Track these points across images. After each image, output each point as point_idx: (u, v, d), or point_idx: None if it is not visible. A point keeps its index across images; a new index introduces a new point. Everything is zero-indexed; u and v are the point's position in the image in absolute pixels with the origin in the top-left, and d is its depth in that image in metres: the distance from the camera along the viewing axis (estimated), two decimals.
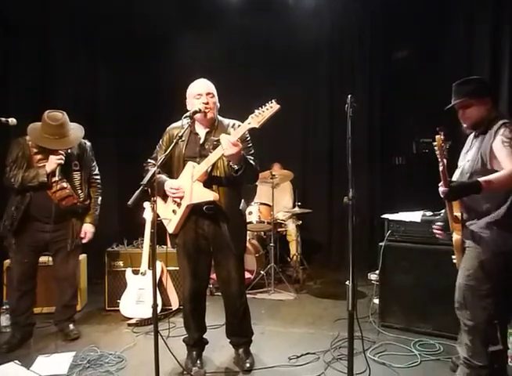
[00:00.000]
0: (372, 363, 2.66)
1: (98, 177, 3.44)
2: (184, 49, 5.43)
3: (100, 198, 3.44)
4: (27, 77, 4.50)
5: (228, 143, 2.32)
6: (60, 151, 3.05)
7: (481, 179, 2.15)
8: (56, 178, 2.99)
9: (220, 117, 2.72)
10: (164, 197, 2.65)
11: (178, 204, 2.58)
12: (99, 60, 5.32)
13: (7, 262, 3.51)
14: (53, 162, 3.02)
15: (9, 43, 4.33)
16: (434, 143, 2.15)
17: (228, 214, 2.56)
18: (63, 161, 3.03)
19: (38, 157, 3.08)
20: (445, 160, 2.18)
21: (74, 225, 3.24)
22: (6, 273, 3.63)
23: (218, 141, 2.50)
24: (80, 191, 3.22)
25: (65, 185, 3.10)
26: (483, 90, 2.39)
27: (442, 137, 2.15)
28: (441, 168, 2.19)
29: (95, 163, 3.41)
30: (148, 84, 5.44)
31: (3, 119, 2.70)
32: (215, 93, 2.66)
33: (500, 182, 2.15)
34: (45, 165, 3.03)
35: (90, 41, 5.19)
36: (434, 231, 2.59)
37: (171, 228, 2.66)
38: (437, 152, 2.18)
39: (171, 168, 2.66)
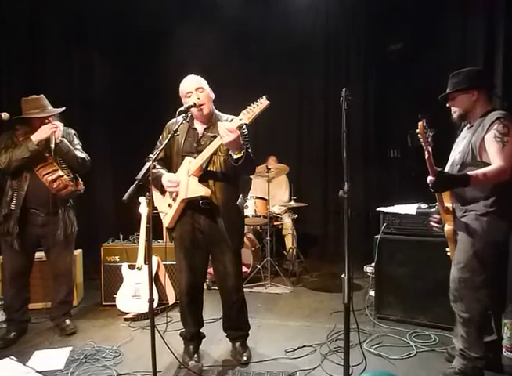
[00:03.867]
0: (368, 355, 2.68)
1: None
2: (180, 43, 5.38)
3: (83, 157, 3.26)
4: (20, 73, 4.46)
5: (225, 131, 2.32)
6: (53, 123, 3.03)
7: (469, 173, 2.17)
8: (52, 146, 2.96)
9: (218, 112, 2.70)
10: (163, 191, 2.65)
11: (174, 199, 2.58)
12: (94, 53, 5.27)
13: (0, 257, 3.50)
14: (45, 131, 2.98)
15: (2, 38, 4.28)
16: (417, 130, 2.16)
17: (224, 209, 2.56)
18: (56, 129, 3.01)
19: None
20: (429, 148, 2.18)
21: (65, 216, 3.20)
22: (1, 269, 3.62)
23: (214, 137, 2.50)
24: (67, 174, 3.15)
25: (55, 167, 3.09)
26: (468, 83, 2.40)
27: (424, 124, 2.15)
28: (426, 156, 2.20)
29: (80, 147, 3.31)
30: (143, 77, 5.41)
31: None
32: (206, 86, 2.64)
33: (488, 177, 2.17)
34: (30, 138, 2.99)
35: (85, 36, 5.14)
36: (431, 224, 2.60)
37: (166, 221, 2.66)
38: (420, 139, 2.19)
39: (171, 164, 2.66)
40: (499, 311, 2.55)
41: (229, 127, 2.33)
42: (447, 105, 2.50)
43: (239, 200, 2.73)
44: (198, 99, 2.55)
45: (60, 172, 3.10)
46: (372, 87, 5.61)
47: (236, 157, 2.41)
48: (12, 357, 2.84)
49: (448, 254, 2.50)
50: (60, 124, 3.13)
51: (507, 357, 2.71)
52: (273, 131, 5.92)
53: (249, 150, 2.55)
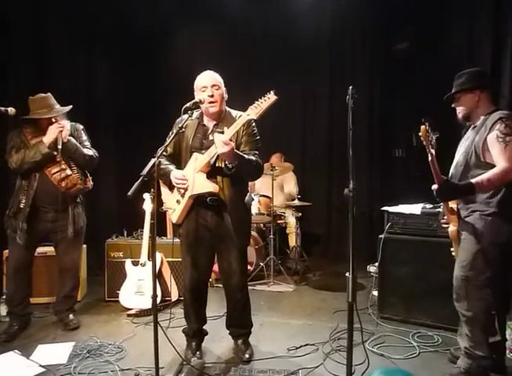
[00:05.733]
0: (371, 355, 2.67)
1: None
2: (183, 43, 5.38)
3: (91, 155, 3.27)
4: (26, 72, 4.48)
5: (220, 142, 2.32)
6: (59, 122, 3.06)
7: (473, 181, 2.17)
8: (59, 146, 2.97)
9: (228, 109, 2.70)
10: (171, 187, 2.65)
11: (182, 195, 2.58)
12: (98, 53, 5.28)
13: (7, 251, 3.52)
14: (53, 131, 3.01)
15: (8, 38, 4.32)
16: (420, 134, 2.16)
17: (231, 205, 2.55)
18: (63, 128, 3.03)
19: (34, 141, 3.07)
20: (433, 151, 2.18)
21: (74, 212, 3.22)
22: (6, 263, 3.64)
23: (223, 133, 2.49)
24: (75, 170, 3.18)
25: (63, 166, 3.11)
26: (471, 83, 2.41)
27: (427, 127, 2.15)
28: (429, 159, 2.19)
29: (88, 143, 3.33)
30: (147, 77, 5.43)
31: (2, 108, 2.69)
32: (221, 85, 2.64)
33: (493, 181, 2.17)
34: (42, 141, 3.03)
35: (88, 35, 5.15)
36: (442, 224, 2.59)
37: (174, 218, 2.66)
38: (423, 142, 2.18)
39: (180, 160, 2.67)
40: (504, 312, 2.53)
41: (224, 139, 2.33)
42: (453, 105, 2.51)
43: (247, 197, 2.72)
44: (212, 95, 2.54)
45: (68, 171, 3.12)
46: (377, 86, 5.58)
47: (230, 166, 2.41)
48: (15, 351, 2.85)
49: (453, 253, 2.50)
50: (67, 123, 3.14)
51: (511, 359, 2.70)
52: (277, 130, 5.90)
53: (256, 154, 2.56)
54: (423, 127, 2.14)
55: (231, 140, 2.39)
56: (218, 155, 2.47)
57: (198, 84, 2.62)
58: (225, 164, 2.44)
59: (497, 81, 3.85)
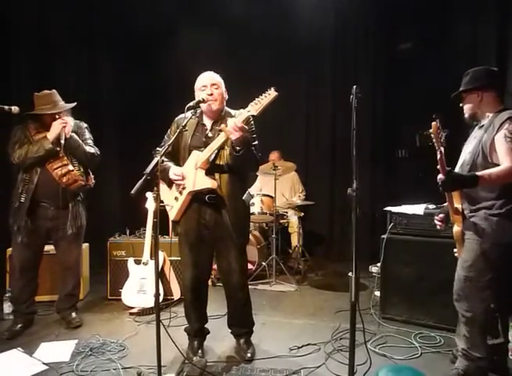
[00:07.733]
0: (372, 355, 2.66)
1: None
2: (185, 43, 5.37)
3: (93, 152, 3.27)
4: (27, 73, 4.51)
5: (231, 129, 2.35)
6: (63, 118, 3.09)
7: (478, 173, 2.15)
8: (62, 141, 2.99)
9: (227, 108, 2.71)
10: (170, 184, 2.67)
11: (181, 191, 2.59)
12: (98, 52, 5.30)
13: (10, 249, 3.53)
14: (56, 127, 3.04)
15: (8, 38, 4.33)
16: (430, 130, 2.15)
17: (229, 203, 2.56)
18: (66, 124, 3.06)
19: (37, 137, 3.09)
20: (442, 148, 2.17)
21: (74, 210, 3.23)
22: (9, 261, 3.65)
23: (221, 130, 2.50)
24: (77, 167, 3.18)
25: (65, 162, 3.12)
26: (473, 83, 2.40)
27: (438, 124, 2.14)
28: (438, 156, 2.18)
29: (91, 141, 3.33)
30: (150, 76, 5.45)
31: (6, 107, 2.71)
32: (221, 85, 2.66)
33: (497, 178, 2.15)
34: (46, 136, 3.05)
35: (89, 35, 5.17)
36: (436, 222, 2.58)
37: (172, 214, 2.68)
38: (433, 139, 2.17)
39: (178, 157, 2.68)
40: (506, 314, 2.52)
41: (234, 125, 2.34)
42: (460, 105, 2.50)
43: (246, 195, 2.72)
44: (211, 94, 2.56)
45: (70, 167, 3.13)
46: (380, 87, 5.58)
47: (238, 148, 2.42)
48: (18, 348, 2.86)
49: (456, 254, 2.49)
50: (71, 120, 3.16)
51: None
52: (280, 129, 5.92)
53: (254, 146, 2.57)
54: (434, 123, 2.13)
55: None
56: (217, 153, 2.51)
57: (198, 83, 2.65)
58: (233, 146, 2.44)
59: (502, 80, 3.83)
